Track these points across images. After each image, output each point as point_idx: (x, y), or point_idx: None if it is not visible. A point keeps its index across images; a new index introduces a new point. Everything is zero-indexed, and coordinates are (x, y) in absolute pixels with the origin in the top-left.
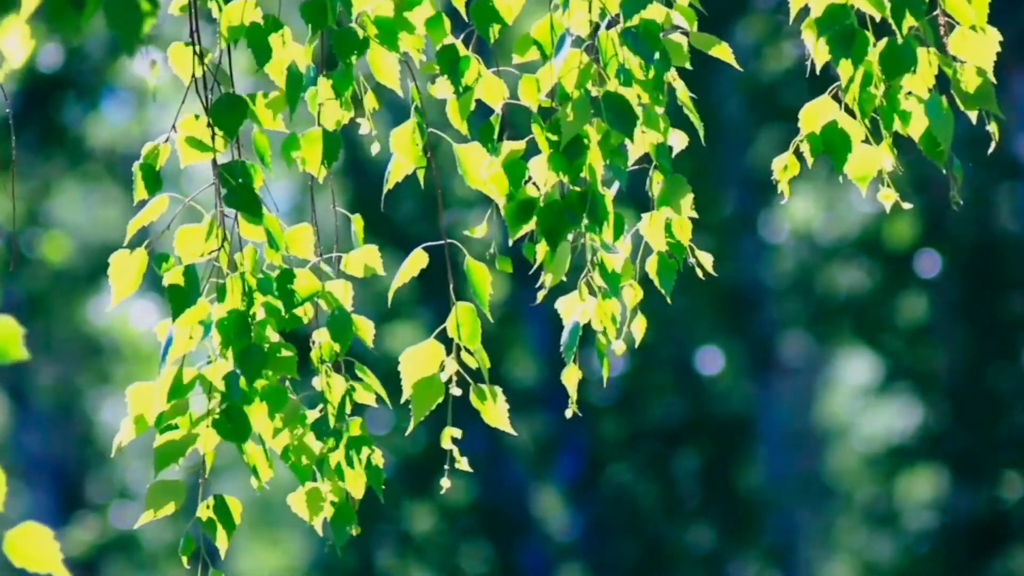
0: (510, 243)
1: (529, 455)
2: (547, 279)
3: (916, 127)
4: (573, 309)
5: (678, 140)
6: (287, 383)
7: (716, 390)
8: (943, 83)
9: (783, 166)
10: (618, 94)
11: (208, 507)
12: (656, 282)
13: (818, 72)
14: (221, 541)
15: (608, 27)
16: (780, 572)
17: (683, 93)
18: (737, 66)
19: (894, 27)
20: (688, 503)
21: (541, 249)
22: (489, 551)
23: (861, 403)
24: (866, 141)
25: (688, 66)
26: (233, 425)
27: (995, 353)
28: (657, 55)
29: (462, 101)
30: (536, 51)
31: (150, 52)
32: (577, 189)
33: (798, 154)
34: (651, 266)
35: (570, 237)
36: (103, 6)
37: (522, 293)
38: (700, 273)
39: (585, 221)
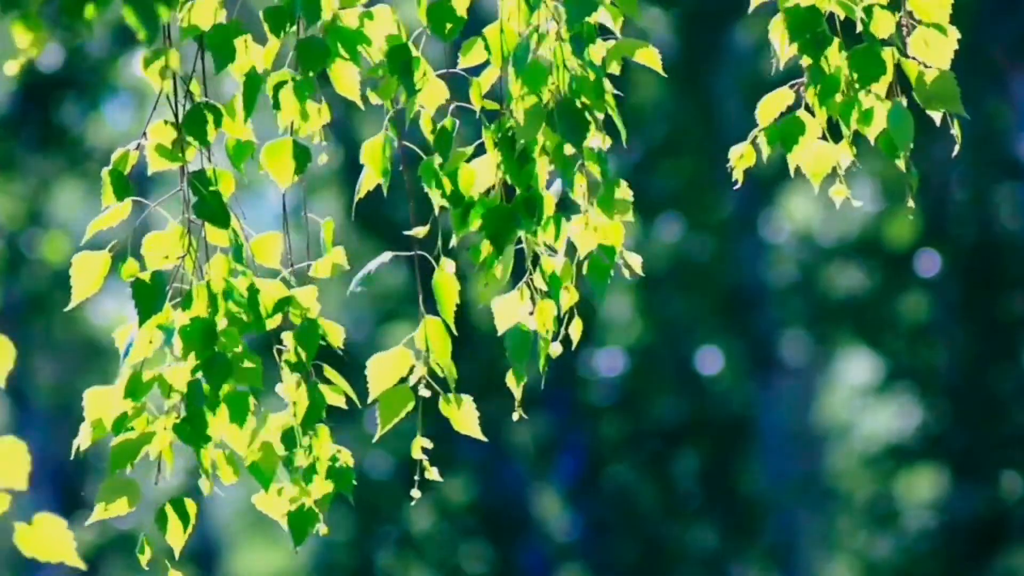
0: (451, 245)
1: (529, 455)
2: (485, 280)
3: (874, 128)
4: (510, 311)
5: (598, 142)
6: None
7: (716, 390)
8: (902, 83)
9: (739, 155)
10: (572, 103)
11: (166, 508)
12: (589, 283)
13: (781, 68)
14: (175, 540)
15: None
16: (780, 572)
17: (608, 95)
18: (662, 72)
19: (864, 34)
20: (688, 503)
21: (485, 250)
22: (489, 551)
23: (861, 403)
24: (823, 138)
25: (617, 72)
26: (193, 430)
27: (995, 353)
28: (599, 60)
29: (408, 105)
30: (482, 54)
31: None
32: (523, 192)
33: (756, 146)
34: (587, 268)
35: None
36: None
37: None
38: (627, 274)
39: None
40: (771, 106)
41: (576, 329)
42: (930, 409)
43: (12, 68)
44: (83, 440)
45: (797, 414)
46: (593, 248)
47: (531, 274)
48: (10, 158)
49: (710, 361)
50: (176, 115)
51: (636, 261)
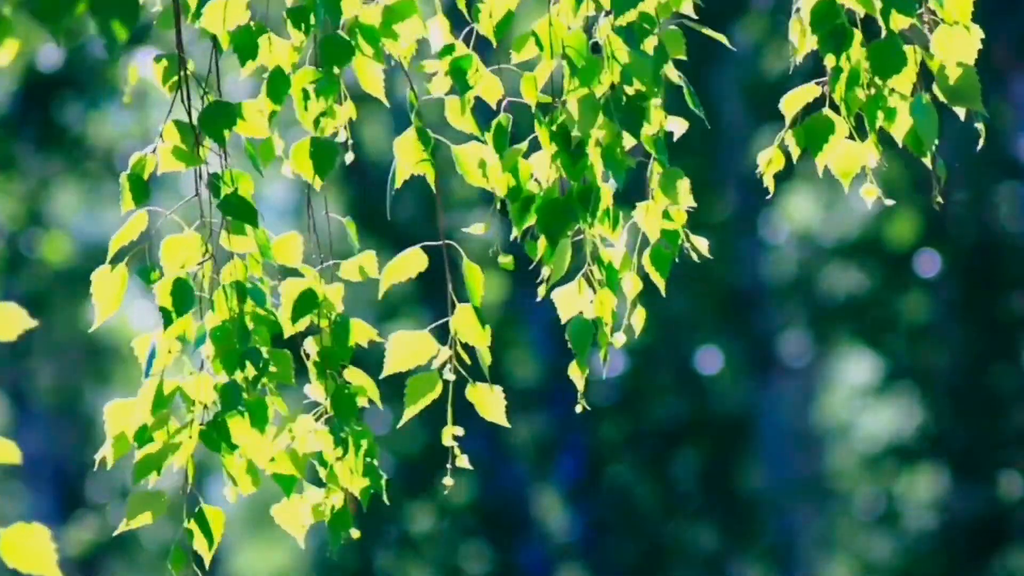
0: (511, 240)
1: (529, 455)
2: (546, 274)
3: (900, 125)
4: (570, 302)
5: (678, 126)
6: (268, 394)
7: (716, 390)
8: (926, 81)
9: (768, 160)
10: (626, 94)
11: (191, 519)
12: (652, 273)
13: (797, 64)
14: (203, 551)
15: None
16: (780, 572)
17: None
18: (729, 46)
19: (883, 26)
20: (688, 503)
21: (541, 245)
22: (489, 551)
23: (861, 403)
24: (850, 137)
25: (684, 57)
26: (220, 436)
27: (995, 353)
28: (652, 49)
29: (463, 99)
30: (533, 49)
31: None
32: (578, 185)
33: (784, 149)
34: (647, 257)
35: (570, 233)
36: (91, 8)
37: (522, 293)
38: (695, 257)
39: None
40: (796, 101)
41: (639, 318)
42: (930, 409)
43: (4, 58)
44: (108, 455)
45: (797, 414)
46: (658, 235)
47: (589, 265)
48: (10, 158)
49: (710, 361)
50: (190, 116)
51: (703, 244)
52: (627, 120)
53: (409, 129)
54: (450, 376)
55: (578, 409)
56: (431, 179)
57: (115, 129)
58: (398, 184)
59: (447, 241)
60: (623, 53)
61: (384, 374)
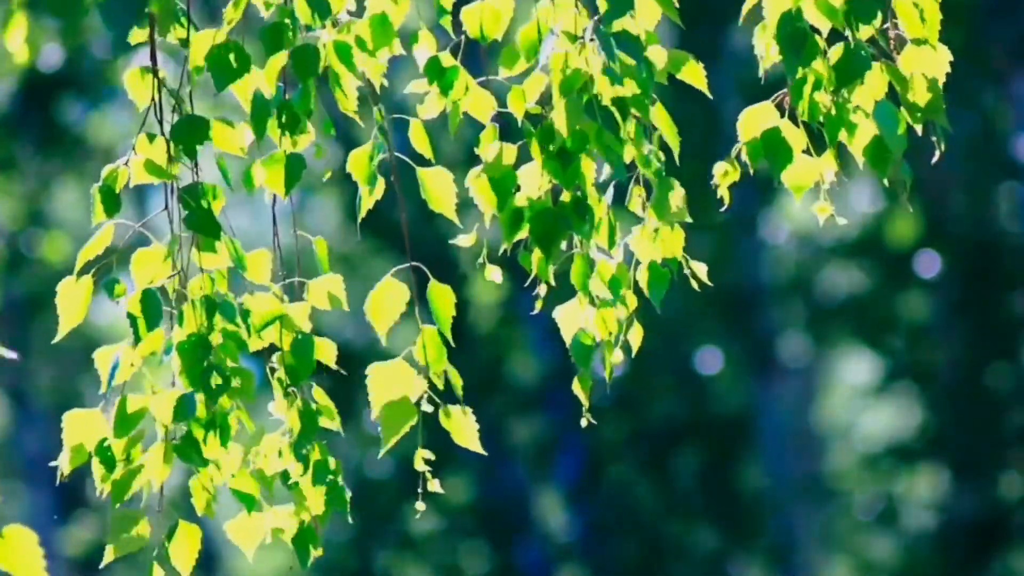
0: (500, 252)
1: (529, 455)
2: (543, 291)
3: (860, 140)
4: (572, 320)
5: (650, 147)
6: (234, 412)
7: (716, 390)
8: (891, 99)
9: (723, 172)
10: (605, 95)
11: (167, 539)
12: (646, 292)
13: (763, 73)
14: (182, 567)
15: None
16: (780, 572)
17: (659, 111)
18: (708, 93)
19: (848, 35)
20: (688, 503)
21: (535, 258)
22: (489, 551)
23: (861, 403)
24: (807, 152)
25: (664, 82)
26: (191, 449)
27: (995, 353)
28: (644, 61)
29: (451, 115)
30: (523, 63)
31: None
32: (571, 194)
33: (741, 162)
34: (642, 276)
35: (564, 245)
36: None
37: (522, 294)
38: (695, 284)
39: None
40: (753, 120)
41: (636, 335)
42: (930, 409)
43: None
44: (64, 465)
45: (797, 414)
46: (655, 258)
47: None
48: (10, 158)
49: (710, 361)
50: (161, 129)
51: (701, 270)
52: (608, 119)
53: (363, 146)
54: (427, 408)
55: (583, 423)
56: (370, 194)
57: (115, 129)
58: (365, 209)
59: (414, 264)
60: (597, 61)
61: (374, 416)
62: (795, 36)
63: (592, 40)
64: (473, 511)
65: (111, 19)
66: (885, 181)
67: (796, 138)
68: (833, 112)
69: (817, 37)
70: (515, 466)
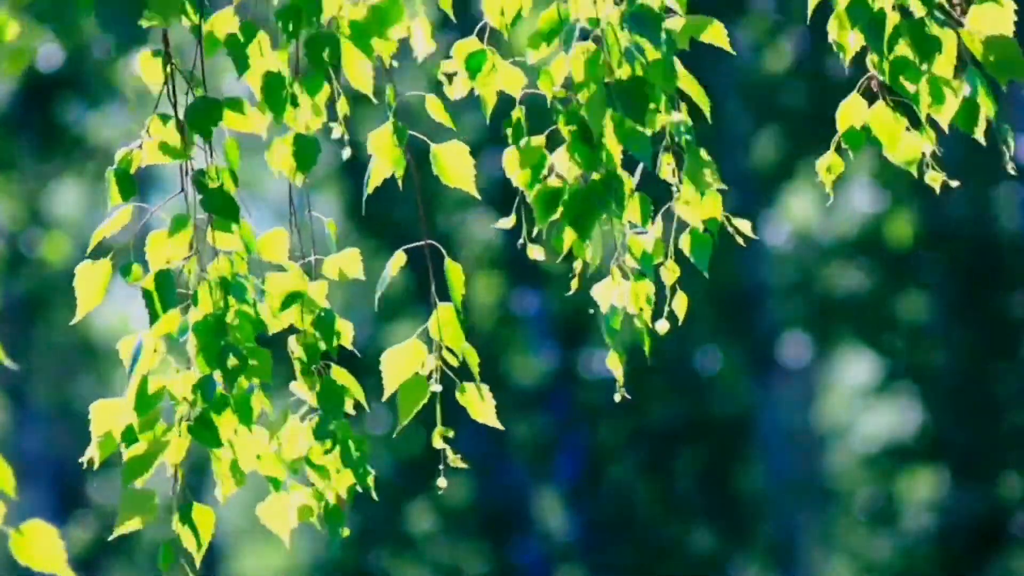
0: (533, 234)
1: (529, 455)
2: (578, 268)
3: (947, 109)
4: (607, 295)
5: (679, 116)
6: (256, 391)
7: (716, 390)
8: (964, 64)
9: (826, 166)
10: (627, 81)
11: (179, 519)
12: (691, 258)
13: (846, 69)
14: (193, 550)
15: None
16: (780, 572)
17: (686, 77)
18: (730, 50)
19: (914, 10)
20: (688, 503)
21: (568, 237)
22: (489, 551)
23: (861, 403)
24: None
25: (687, 48)
26: (208, 431)
27: (995, 353)
28: (663, 37)
29: (483, 96)
30: (547, 47)
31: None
32: (597, 176)
33: (843, 151)
34: (685, 242)
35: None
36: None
37: (521, 293)
38: (741, 241)
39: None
40: (851, 110)
41: (680, 304)
42: (930, 409)
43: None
44: (94, 455)
45: (797, 414)
46: (697, 223)
47: (620, 256)
48: (10, 158)
49: (710, 361)
50: (176, 112)
51: (745, 226)
52: (630, 107)
53: (385, 125)
54: (437, 388)
55: (617, 398)
56: (399, 175)
57: (115, 129)
58: (373, 184)
59: (430, 242)
60: (623, 40)
61: (385, 397)
62: (873, 21)
63: (611, 21)
64: (472, 511)
65: (107, 22)
66: (983, 141)
67: (896, 118)
68: (923, 86)
69: (893, 13)
70: (514, 466)
